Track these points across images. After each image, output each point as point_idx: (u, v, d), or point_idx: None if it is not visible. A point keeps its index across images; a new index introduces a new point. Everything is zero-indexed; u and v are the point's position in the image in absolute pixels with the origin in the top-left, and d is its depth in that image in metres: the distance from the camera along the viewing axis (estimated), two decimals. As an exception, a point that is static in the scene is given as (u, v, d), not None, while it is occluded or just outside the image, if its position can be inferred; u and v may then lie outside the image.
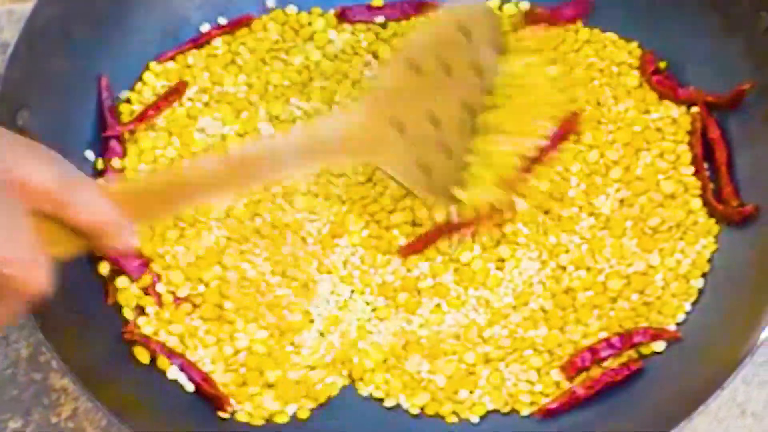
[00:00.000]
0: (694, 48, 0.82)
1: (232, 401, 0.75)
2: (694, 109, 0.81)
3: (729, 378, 0.69)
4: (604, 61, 0.84)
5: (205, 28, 0.86)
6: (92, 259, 0.78)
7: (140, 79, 0.84)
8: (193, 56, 0.85)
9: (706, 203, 0.79)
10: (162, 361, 0.76)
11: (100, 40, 0.82)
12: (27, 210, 0.58)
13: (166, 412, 0.74)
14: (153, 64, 0.84)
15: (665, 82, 0.82)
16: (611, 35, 0.85)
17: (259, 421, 0.75)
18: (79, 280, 0.75)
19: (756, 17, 0.78)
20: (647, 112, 0.82)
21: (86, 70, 0.81)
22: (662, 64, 0.83)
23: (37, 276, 0.58)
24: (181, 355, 0.76)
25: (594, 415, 0.74)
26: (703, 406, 0.68)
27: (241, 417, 0.75)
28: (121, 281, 0.78)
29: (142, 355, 0.76)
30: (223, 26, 0.86)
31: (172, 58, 0.85)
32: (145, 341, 0.76)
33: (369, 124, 0.71)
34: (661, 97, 0.82)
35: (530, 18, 0.81)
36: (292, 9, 0.87)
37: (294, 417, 0.76)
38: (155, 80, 0.84)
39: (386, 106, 0.72)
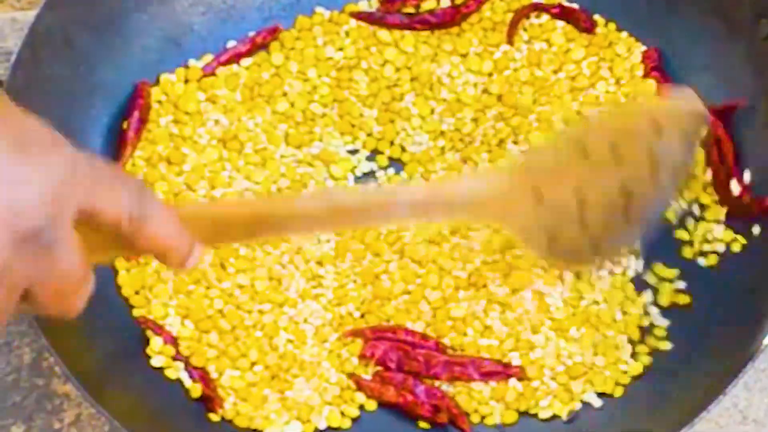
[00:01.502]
0: (695, 53, 0.82)
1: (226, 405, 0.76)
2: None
3: (730, 384, 0.69)
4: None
5: (208, 35, 0.86)
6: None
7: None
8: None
9: (723, 198, 0.79)
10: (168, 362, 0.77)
11: (102, 47, 0.82)
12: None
13: (169, 418, 0.75)
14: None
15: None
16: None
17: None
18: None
19: (757, 24, 0.78)
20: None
21: (89, 77, 0.81)
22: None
23: (82, 294, 0.57)
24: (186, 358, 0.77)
25: (594, 421, 0.74)
26: (705, 412, 0.68)
27: (241, 422, 0.76)
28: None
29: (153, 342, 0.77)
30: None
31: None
32: (156, 328, 0.77)
33: (508, 194, 0.69)
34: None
35: None
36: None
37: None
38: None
39: (534, 180, 0.69)
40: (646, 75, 0.82)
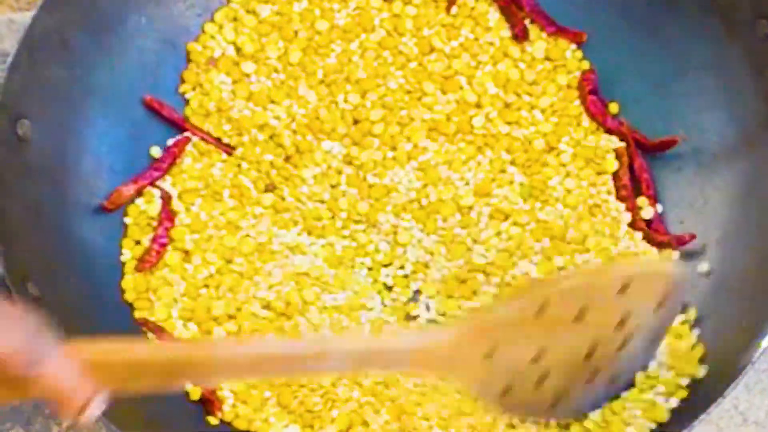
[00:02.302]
0: (694, 53, 0.82)
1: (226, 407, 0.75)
2: (622, 145, 0.82)
3: (731, 385, 0.68)
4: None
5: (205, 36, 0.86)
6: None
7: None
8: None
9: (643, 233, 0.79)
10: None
11: (98, 48, 0.82)
12: None
13: (167, 420, 0.74)
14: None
15: (598, 105, 0.83)
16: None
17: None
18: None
19: (756, 23, 0.78)
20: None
21: (85, 80, 0.81)
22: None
23: None
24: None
25: (592, 423, 0.74)
26: (705, 414, 0.68)
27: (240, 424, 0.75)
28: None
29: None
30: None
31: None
32: (157, 330, 0.77)
33: (453, 348, 0.66)
34: (593, 119, 0.83)
35: None
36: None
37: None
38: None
39: (485, 336, 0.66)
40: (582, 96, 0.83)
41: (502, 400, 0.68)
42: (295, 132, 0.83)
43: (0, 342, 0.53)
